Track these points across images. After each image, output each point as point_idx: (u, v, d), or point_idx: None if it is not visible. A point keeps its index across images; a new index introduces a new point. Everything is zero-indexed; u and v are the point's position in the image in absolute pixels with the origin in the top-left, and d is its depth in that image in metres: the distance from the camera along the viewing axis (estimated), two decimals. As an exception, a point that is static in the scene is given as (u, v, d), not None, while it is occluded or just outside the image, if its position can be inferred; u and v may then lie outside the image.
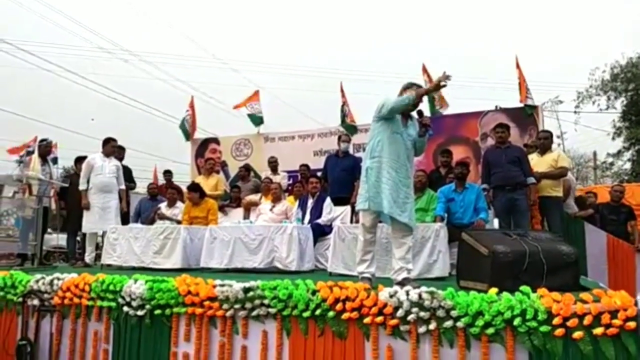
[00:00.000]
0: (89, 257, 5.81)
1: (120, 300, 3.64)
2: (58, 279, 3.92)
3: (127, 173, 7.01)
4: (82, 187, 5.80)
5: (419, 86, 3.71)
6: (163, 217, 6.41)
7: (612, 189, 6.99)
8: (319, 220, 5.56)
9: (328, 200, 5.79)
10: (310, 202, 5.85)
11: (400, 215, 3.44)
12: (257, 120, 8.91)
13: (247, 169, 7.84)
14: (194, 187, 6.20)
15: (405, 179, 3.54)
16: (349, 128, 7.92)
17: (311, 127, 9.35)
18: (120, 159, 6.91)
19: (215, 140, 9.28)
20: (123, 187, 6.07)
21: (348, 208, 5.86)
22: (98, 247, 6.30)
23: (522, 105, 7.13)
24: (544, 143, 5.70)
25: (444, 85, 3.40)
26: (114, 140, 6.10)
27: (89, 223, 5.78)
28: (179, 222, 6.10)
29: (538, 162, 5.53)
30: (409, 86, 3.67)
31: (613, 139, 17.90)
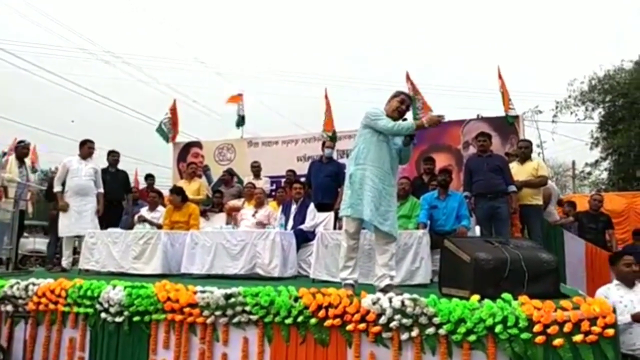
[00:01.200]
0: (66, 261, 5.67)
1: (97, 306, 3.57)
2: (33, 284, 3.84)
3: (125, 178, 7.07)
4: (56, 189, 5.66)
5: (407, 95, 3.82)
6: (144, 220, 6.30)
7: (591, 198, 7.10)
8: (302, 226, 5.53)
9: (311, 206, 5.76)
10: (293, 208, 5.81)
11: (381, 224, 3.44)
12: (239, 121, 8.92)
13: (230, 173, 7.77)
14: (177, 190, 6.13)
15: (389, 187, 3.55)
16: (329, 135, 7.90)
17: (295, 132, 9.34)
18: (115, 162, 6.94)
19: (198, 144, 9.21)
20: (101, 190, 5.93)
21: (331, 214, 5.84)
22: (76, 252, 6.16)
23: (503, 114, 7.23)
24: (524, 152, 5.79)
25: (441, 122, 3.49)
26: (91, 142, 5.97)
27: (65, 226, 5.64)
28: (159, 227, 6.01)
29: (518, 171, 5.60)
30: (396, 95, 3.74)
31: (591, 148, 18.25)
